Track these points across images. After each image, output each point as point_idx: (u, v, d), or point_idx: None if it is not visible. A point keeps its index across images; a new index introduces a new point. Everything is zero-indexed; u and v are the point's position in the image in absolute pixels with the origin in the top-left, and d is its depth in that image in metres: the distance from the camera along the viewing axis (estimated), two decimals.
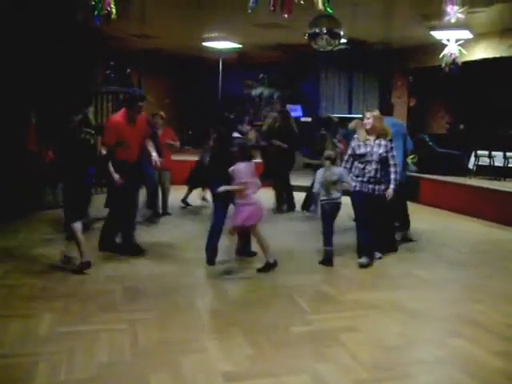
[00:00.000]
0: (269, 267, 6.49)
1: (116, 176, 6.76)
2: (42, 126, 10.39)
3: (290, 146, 10.26)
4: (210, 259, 6.79)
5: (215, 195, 6.73)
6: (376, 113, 6.85)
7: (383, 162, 6.69)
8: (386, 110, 8.00)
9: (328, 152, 7.18)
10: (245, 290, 5.97)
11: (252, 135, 9.29)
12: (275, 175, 10.45)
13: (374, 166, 6.69)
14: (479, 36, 11.36)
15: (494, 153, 12.68)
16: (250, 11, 7.10)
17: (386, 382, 3.84)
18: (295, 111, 16.28)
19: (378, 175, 6.72)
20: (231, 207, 6.70)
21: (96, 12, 6.75)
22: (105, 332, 4.58)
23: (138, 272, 6.43)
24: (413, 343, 4.64)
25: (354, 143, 6.90)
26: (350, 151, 6.98)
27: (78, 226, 6.32)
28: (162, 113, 9.94)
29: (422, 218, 8.42)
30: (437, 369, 4.11)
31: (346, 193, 7.02)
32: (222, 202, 6.72)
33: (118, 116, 7.12)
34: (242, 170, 6.32)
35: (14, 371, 3.84)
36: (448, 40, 10.68)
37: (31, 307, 5.12)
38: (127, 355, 4.16)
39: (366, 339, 4.62)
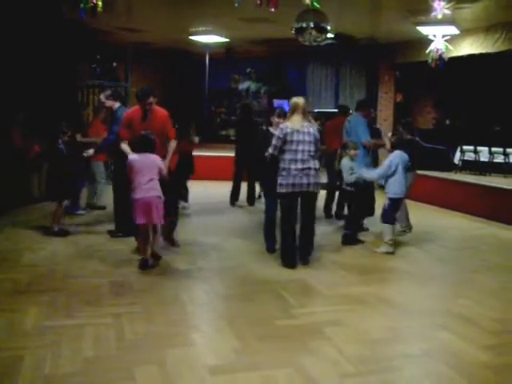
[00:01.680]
0: None
1: (131, 155, 6.52)
2: (28, 121, 10.33)
3: None
4: (271, 248, 7.16)
5: (267, 189, 7.07)
6: None
7: None
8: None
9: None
10: (231, 283, 5.97)
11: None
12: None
13: None
14: (465, 32, 11.40)
15: (479, 148, 12.77)
16: (236, 5, 7.10)
17: (372, 376, 3.86)
18: (282, 106, 16.26)
19: None
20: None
21: (82, 5, 6.72)
22: (90, 326, 4.57)
23: (123, 266, 6.40)
24: (399, 337, 4.66)
25: None
26: None
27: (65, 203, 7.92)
28: None
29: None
30: (423, 362, 4.13)
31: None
32: (273, 195, 6.81)
33: (131, 110, 7.18)
34: None
35: None
36: (434, 36, 10.71)
37: (16, 302, 5.09)
38: (112, 349, 4.15)
39: (351, 333, 4.64)
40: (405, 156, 7.43)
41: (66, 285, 5.65)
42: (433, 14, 7.68)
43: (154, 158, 6.27)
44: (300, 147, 6.41)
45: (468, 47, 11.73)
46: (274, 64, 17.52)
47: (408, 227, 8.58)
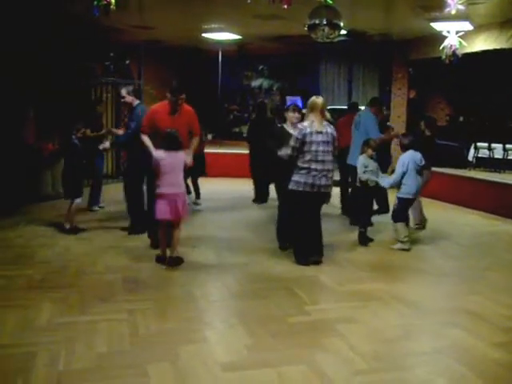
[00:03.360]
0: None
1: (155, 152, 6.43)
2: (41, 119, 10.39)
3: None
4: (284, 246, 7.15)
5: (281, 188, 7.03)
6: None
7: None
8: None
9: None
10: (244, 280, 5.97)
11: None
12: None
13: None
14: (479, 27, 11.31)
15: (493, 145, 12.68)
16: (249, 2, 7.09)
17: (384, 373, 3.85)
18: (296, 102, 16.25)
19: None
20: None
21: (95, 3, 6.72)
22: (104, 322, 4.59)
23: (136, 262, 6.43)
24: (411, 334, 4.65)
25: None
26: None
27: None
28: None
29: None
30: (435, 360, 4.11)
31: None
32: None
33: (158, 105, 7.16)
34: None
35: (12, 361, 3.84)
36: (448, 31, 10.62)
37: (30, 298, 5.12)
38: (126, 345, 4.17)
39: (364, 330, 4.63)
40: (416, 156, 7.38)
41: (79, 281, 5.69)
42: (446, 9, 7.60)
43: (180, 156, 6.29)
44: (320, 148, 6.37)
45: (482, 43, 11.63)
46: (286, 61, 17.48)
47: (422, 224, 8.55)
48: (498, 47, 11.34)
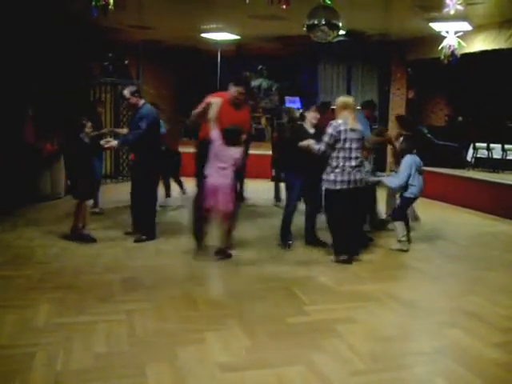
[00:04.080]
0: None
1: (207, 100, 6.61)
2: (40, 118, 10.37)
3: None
4: (287, 244, 7.30)
5: (290, 186, 7.27)
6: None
7: None
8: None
9: None
10: (242, 280, 5.96)
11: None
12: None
13: None
14: (478, 28, 11.31)
15: (492, 145, 12.69)
16: (247, 2, 7.09)
17: (383, 373, 3.85)
18: (294, 103, 16.24)
19: None
20: None
21: (93, 3, 6.72)
22: (102, 323, 4.58)
23: (134, 263, 6.43)
24: (410, 334, 4.65)
25: None
26: None
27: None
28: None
29: (419, 210, 8.41)
30: (434, 360, 4.11)
31: None
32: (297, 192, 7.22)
33: (220, 95, 6.95)
34: None
35: (10, 362, 3.83)
36: (447, 32, 10.63)
37: (28, 298, 5.12)
38: (124, 346, 4.16)
39: (363, 330, 4.63)
40: (416, 158, 7.47)
41: (77, 281, 5.68)
42: (445, 9, 7.62)
43: (234, 151, 6.39)
44: (354, 145, 6.51)
45: (481, 43, 11.65)
46: (285, 61, 17.48)
47: (416, 219, 8.53)
48: (496, 47, 11.35)
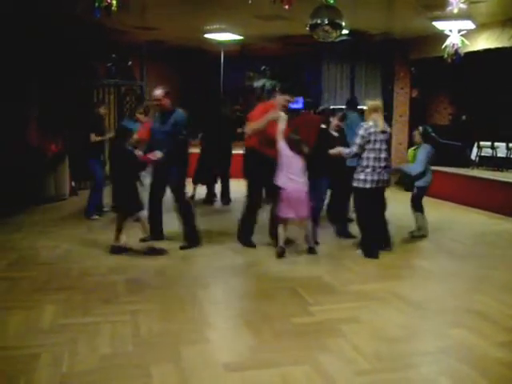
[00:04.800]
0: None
1: (271, 114, 6.92)
2: (44, 120, 10.39)
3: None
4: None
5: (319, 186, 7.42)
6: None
7: None
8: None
9: None
10: (247, 281, 5.98)
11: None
12: None
13: None
14: (481, 26, 11.27)
15: (496, 144, 12.64)
16: (250, 2, 7.09)
17: (388, 373, 3.84)
18: (297, 103, 16.20)
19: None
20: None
21: (96, 4, 6.72)
22: (107, 324, 4.59)
23: (139, 264, 6.44)
24: (415, 334, 4.64)
25: None
26: None
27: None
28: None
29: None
30: (439, 360, 4.10)
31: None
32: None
33: (265, 106, 7.40)
34: None
35: (16, 363, 3.85)
36: (450, 30, 10.60)
37: (33, 299, 5.13)
38: (129, 346, 4.17)
39: (368, 330, 4.62)
40: (431, 148, 8.04)
41: (82, 282, 5.70)
42: (448, 8, 7.59)
43: (301, 159, 6.79)
44: (383, 146, 6.85)
45: (484, 42, 11.61)
46: (288, 61, 17.46)
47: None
48: (500, 46, 11.31)
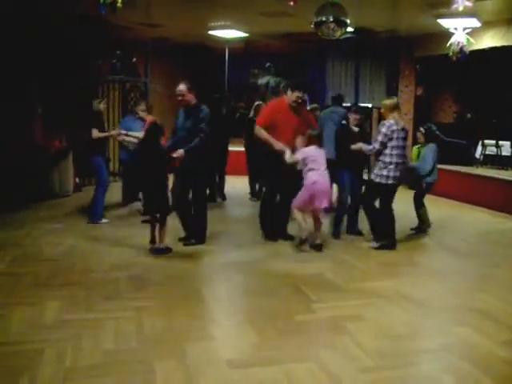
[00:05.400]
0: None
1: (279, 144, 7.03)
2: (48, 116, 10.40)
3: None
4: (336, 233, 7.84)
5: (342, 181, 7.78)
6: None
7: None
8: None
9: None
10: (250, 278, 5.97)
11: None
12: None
13: None
14: (487, 24, 11.25)
15: (501, 142, 12.62)
16: None
17: (391, 370, 3.84)
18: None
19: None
20: None
21: (101, 0, 6.73)
22: (110, 320, 4.60)
23: (142, 260, 6.44)
24: (418, 332, 4.64)
25: None
26: None
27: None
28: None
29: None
30: (441, 357, 4.10)
31: None
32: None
33: (276, 103, 7.59)
34: None
35: (19, 358, 3.85)
36: (455, 28, 10.59)
37: (37, 295, 5.14)
38: (133, 343, 4.17)
39: (371, 328, 4.62)
40: (436, 147, 8.26)
41: (86, 279, 5.70)
42: (454, 6, 7.59)
43: (322, 152, 7.03)
44: (403, 143, 7.08)
45: (490, 40, 11.58)
46: (293, 58, 17.44)
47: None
48: (505, 44, 11.28)
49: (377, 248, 7.15)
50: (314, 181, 6.77)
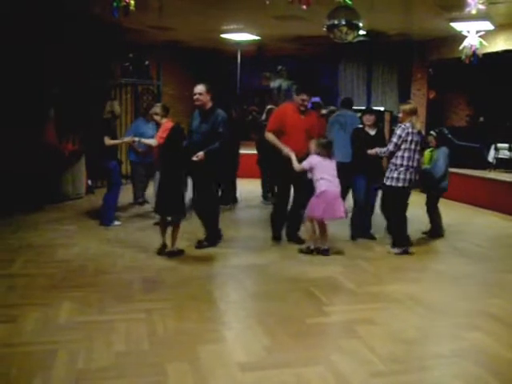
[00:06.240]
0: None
1: (286, 150, 7.12)
2: (61, 119, 10.45)
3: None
4: (354, 235, 7.91)
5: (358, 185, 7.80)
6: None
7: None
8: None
9: None
10: (262, 281, 5.98)
11: None
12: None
13: None
14: (500, 27, 11.20)
15: None
16: (268, 2, 7.10)
17: (402, 375, 3.83)
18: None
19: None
20: None
21: (114, 4, 6.77)
22: (122, 322, 4.62)
23: (155, 262, 6.46)
24: (430, 336, 4.63)
25: None
26: None
27: None
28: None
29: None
30: (453, 362, 4.09)
31: None
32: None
33: (284, 107, 7.68)
34: None
35: (33, 359, 3.88)
36: (468, 31, 10.56)
37: (50, 297, 5.17)
38: (145, 345, 4.19)
39: (382, 332, 4.61)
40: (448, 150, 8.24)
41: (98, 280, 5.73)
42: (467, 9, 7.56)
43: (332, 161, 6.97)
44: (417, 147, 7.09)
45: (503, 43, 11.53)
46: (305, 62, 17.44)
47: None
48: None
49: (398, 254, 7.14)
50: (323, 190, 6.76)
